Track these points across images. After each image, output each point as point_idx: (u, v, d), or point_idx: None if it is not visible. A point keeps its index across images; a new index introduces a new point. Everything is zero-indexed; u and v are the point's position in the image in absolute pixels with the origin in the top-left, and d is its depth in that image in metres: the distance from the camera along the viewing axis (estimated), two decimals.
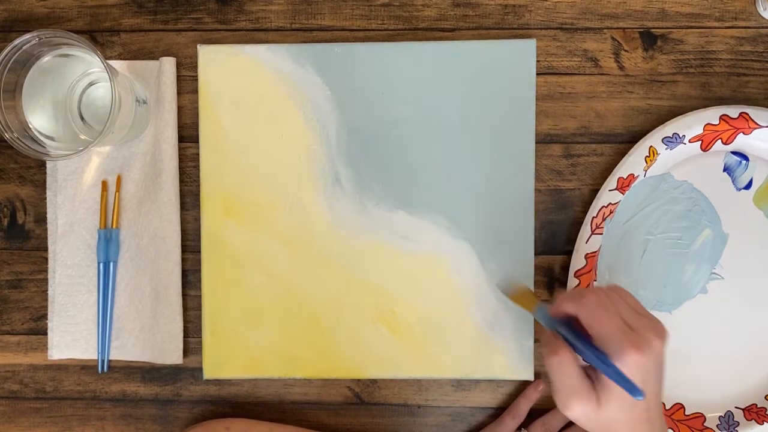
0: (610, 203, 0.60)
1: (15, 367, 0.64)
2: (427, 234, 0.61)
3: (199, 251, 0.62)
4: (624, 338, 0.44)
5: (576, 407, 0.46)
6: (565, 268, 0.62)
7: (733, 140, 0.59)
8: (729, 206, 0.61)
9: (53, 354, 0.63)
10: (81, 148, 0.54)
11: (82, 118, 0.59)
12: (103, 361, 0.63)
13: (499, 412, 0.63)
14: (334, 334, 0.62)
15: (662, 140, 0.59)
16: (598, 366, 0.45)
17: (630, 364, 0.43)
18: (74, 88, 0.59)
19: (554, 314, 0.48)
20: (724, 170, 0.61)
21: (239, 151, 0.62)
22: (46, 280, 0.64)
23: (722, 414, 0.61)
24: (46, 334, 0.64)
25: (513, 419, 0.61)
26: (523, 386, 0.63)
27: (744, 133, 0.59)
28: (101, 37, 0.63)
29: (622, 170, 0.59)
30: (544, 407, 0.62)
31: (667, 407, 0.61)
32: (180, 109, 0.62)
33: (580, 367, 0.47)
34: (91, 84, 0.59)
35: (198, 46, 0.61)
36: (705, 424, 0.61)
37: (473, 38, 0.62)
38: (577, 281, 0.60)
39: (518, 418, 0.61)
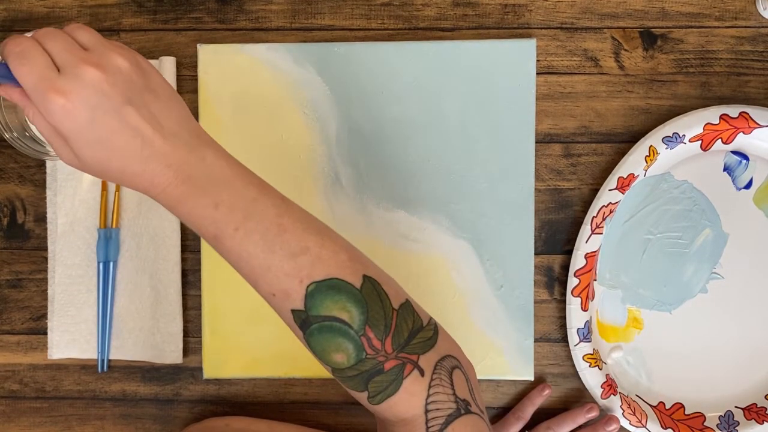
0: (610, 203, 0.60)
1: (15, 366, 0.64)
2: (427, 234, 0.61)
3: (199, 251, 0.62)
4: (42, 84, 0.39)
5: (65, 160, 0.42)
6: (565, 267, 0.62)
7: (733, 140, 0.59)
8: (729, 206, 0.61)
9: (53, 353, 0.63)
10: None
11: None
12: (102, 360, 0.63)
13: (499, 411, 0.63)
14: None
15: (662, 140, 0.59)
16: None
17: (56, 111, 0.39)
18: None
19: None
20: (724, 170, 0.61)
21: (239, 150, 0.61)
22: (45, 280, 0.64)
23: (722, 414, 0.61)
24: (45, 333, 0.64)
25: (517, 421, 0.61)
26: (524, 386, 0.62)
27: (744, 133, 0.59)
28: None
29: (622, 170, 0.59)
30: (548, 409, 0.62)
31: (667, 407, 0.61)
32: None
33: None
34: None
35: (198, 46, 0.61)
36: (705, 423, 0.61)
37: (473, 38, 0.62)
38: (577, 281, 0.60)
39: (522, 420, 0.61)
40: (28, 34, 0.42)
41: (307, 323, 0.43)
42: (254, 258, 0.42)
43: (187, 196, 0.42)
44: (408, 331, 0.44)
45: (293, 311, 0.43)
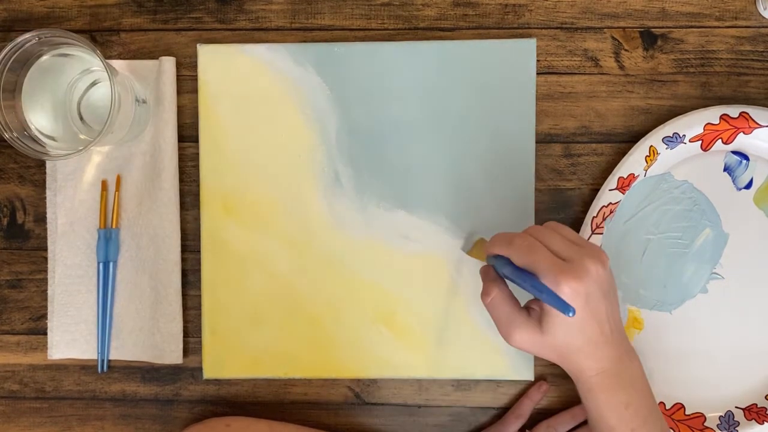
0: (611, 203, 0.60)
1: (15, 367, 0.64)
2: (427, 234, 0.61)
3: (199, 251, 0.62)
4: (556, 269, 0.46)
5: (518, 336, 0.49)
6: None
7: (733, 140, 0.59)
8: (729, 206, 0.61)
9: (53, 354, 0.63)
10: (81, 148, 0.54)
11: (81, 118, 0.59)
12: (102, 360, 0.63)
13: (499, 412, 0.63)
14: (334, 334, 0.62)
15: (662, 140, 0.59)
16: (531, 291, 0.47)
17: (566, 292, 0.46)
18: (74, 87, 0.59)
19: (490, 255, 0.52)
20: (725, 170, 0.61)
21: (239, 150, 0.62)
22: (45, 280, 0.64)
23: (722, 414, 0.61)
24: (45, 333, 0.64)
25: (516, 419, 0.61)
26: (524, 386, 0.63)
27: (744, 133, 0.59)
28: (101, 36, 0.63)
29: (622, 170, 0.59)
30: (548, 408, 0.62)
31: (667, 407, 0.61)
32: (180, 109, 0.62)
33: (514, 300, 0.50)
34: (91, 84, 0.59)
35: (198, 46, 0.61)
36: (705, 424, 0.61)
37: (473, 38, 0.62)
38: None
39: (522, 419, 0.61)
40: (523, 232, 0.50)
41: None
42: None
43: (608, 389, 0.49)
44: None
45: None
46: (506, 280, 0.51)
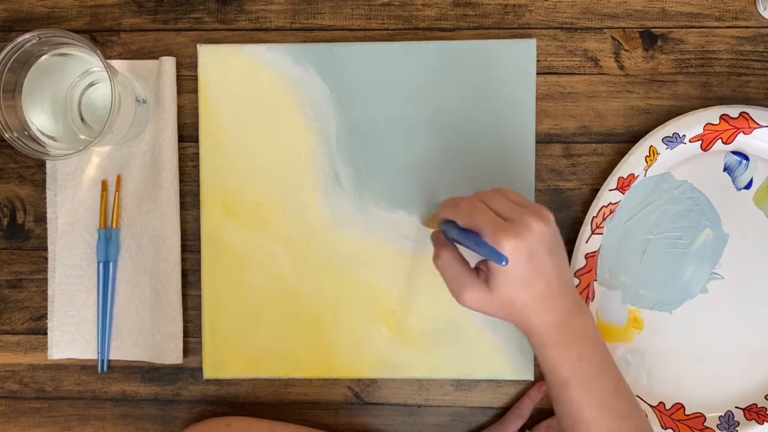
0: (610, 203, 0.60)
1: (15, 366, 0.64)
2: (427, 234, 0.61)
3: (199, 251, 0.62)
4: (498, 228, 0.47)
5: (467, 295, 0.50)
6: None
7: (733, 140, 0.59)
8: (729, 206, 0.61)
9: (53, 354, 0.63)
10: (81, 148, 0.54)
11: (81, 118, 0.59)
12: (102, 360, 0.63)
13: (499, 411, 0.63)
14: (334, 334, 0.62)
15: (662, 140, 0.59)
16: (473, 248, 0.48)
17: (507, 249, 0.46)
18: (74, 87, 0.59)
19: (440, 221, 0.53)
20: (725, 170, 0.61)
21: (239, 150, 0.62)
22: (45, 280, 0.64)
23: (722, 414, 0.61)
24: (45, 333, 0.64)
25: (517, 419, 0.61)
26: (524, 386, 0.63)
27: (744, 133, 0.59)
28: (101, 36, 0.63)
29: (622, 170, 0.59)
30: (548, 408, 0.62)
31: (667, 407, 0.61)
32: (180, 109, 0.62)
33: (464, 261, 0.51)
34: (91, 84, 0.59)
35: (198, 46, 0.61)
36: (705, 424, 0.61)
37: (473, 38, 0.62)
38: (577, 281, 0.60)
39: (522, 419, 0.61)
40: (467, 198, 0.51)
41: None
42: (588, 410, 0.49)
43: (560, 342, 0.49)
44: None
45: None
46: (457, 245, 0.52)
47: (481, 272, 0.50)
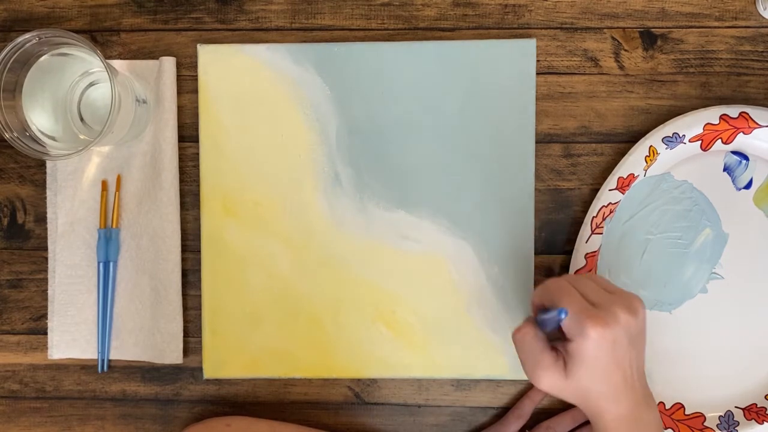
0: (610, 203, 0.60)
1: (15, 366, 0.64)
2: (427, 234, 0.61)
3: (199, 251, 0.62)
4: (584, 315, 0.46)
5: (543, 377, 0.48)
6: (565, 267, 0.62)
7: (733, 140, 0.59)
8: (729, 206, 0.61)
9: (53, 354, 0.63)
10: (81, 148, 0.54)
11: (81, 118, 0.59)
12: (103, 360, 0.63)
13: (499, 411, 0.63)
14: (334, 334, 0.62)
15: (662, 140, 0.59)
16: (546, 323, 0.48)
17: (593, 337, 0.46)
18: (74, 87, 0.59)
19: (534, 308, 0.52)
20: (724, 170, 0.61)
21: (239, 150, 0.62)
22: (46, 280, 0.64)
23: (722, 414, 0.61)
24: (46, 333, 0.64)
25: (517, 419, 0.61)
26: (524, 386, 0.63)
27: (744, 133, 0.59)
28: (101, 36, 0.63)
29: (622, 170, 0.59)
30: (549, 408, 0.62)
31: (667, 407, 0.61)
32: (180, 109, 0.62)
33: (544, 341, 0.49)
34: (91, 84, 0.59)
35: (198, 46, 0.61)
36: (705, 423, 0.61)
37: (473, 38, 0.62)
38: None
39: (522, 419, 0.61)
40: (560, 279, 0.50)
41: None
42: None
43: None
44: None
45: None
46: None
47: (560, 354, 0.49)
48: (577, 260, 0.60)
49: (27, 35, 0.53)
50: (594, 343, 0.46)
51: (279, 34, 0.62)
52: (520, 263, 0.61)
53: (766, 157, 0.60)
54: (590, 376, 0.47)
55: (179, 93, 0.62)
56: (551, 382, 0.48)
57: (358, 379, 0.63)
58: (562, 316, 0.47)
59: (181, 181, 0.63)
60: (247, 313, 0.62)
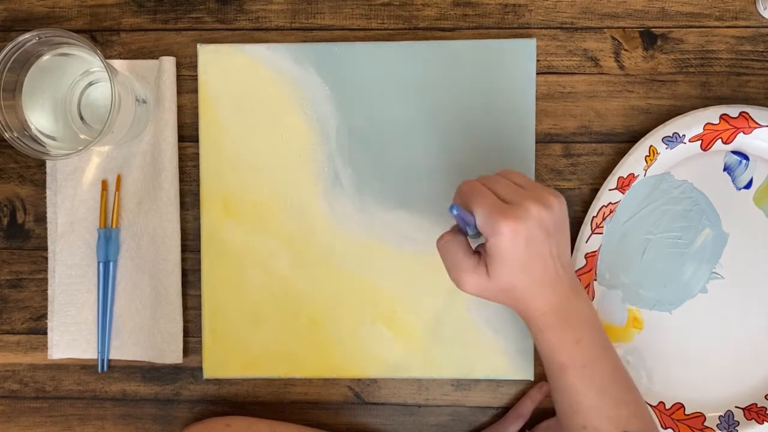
0: (610, 203, 0.60)
1: (15, 366, 0.64)
2: (427, 234, 0.61)
3: (199, 251, 0.62)
4: (495, 212, 0.46)
5: (466, 280, 0.48)
6: None
7: (733, 140, 0.59)
8: (729, 206, 0.61)
9: (53, 353, 0.63)
10: (81, 148, 0.54)
11: (81, 118, 0.59)
12: (103, 360, 0.63)
13: (499, 411, 0.63)
14: (334, 334, 0.62)
15: (662, 140, 0.59)
16: (462, 226, 0.48)
17: (505, 233, 0.46)
18: (74, 87, 0.59)
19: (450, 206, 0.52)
20: (725, 170, 0.61)
21: (239, 150, 0.62)
22: (46, 280, 0.64)
23: (722, 414, 0.61)
24: (46, 333, 0.64)
25: (517, 419, 0.61)
26: (524, 386, 0.63)
27: (744, 133, 0.59)
28: (101, 36, 0.63)
29: (622, 170, 0.59)
30: (548, 408, 0.62)
31: (667, 407, 0.61)
32: (180, 109, 0.62)
33: (466, 245, 0.50)
34: (91, 84, 0.59)
35: (198, 46, 0.61)
36: (705, 423, 0.61)
37: (473, 38, 0.62)
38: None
39: (522, 419, 0.61)
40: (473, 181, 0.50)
41: None
42: (587, 396, 0.48)
43: (557, 326, 0.49)
44: None
45: None
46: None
47: (482, 257, 0.49)
48: (577, 260, 0.60)
49: (27, 35, 0.53)
50: (507, 239, 0.46)
51: (279, 34, 0.62)
52: None
53: (767, 157, 0.60)
54: (510, 272, 0.47)
55: (179, 93, 0.62)
56: (475, 284, 0.48)
57: (358, 379, 0.63)
58: (454, 212, 0.47)
59: (181, 181, 0.63)
60: (247, 313, 0.62)
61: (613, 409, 0.48)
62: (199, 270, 0.63)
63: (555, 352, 0.49)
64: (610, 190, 0.60)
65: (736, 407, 0.61)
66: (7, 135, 0.54)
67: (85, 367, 0.64)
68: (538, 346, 0.50)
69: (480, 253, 0.49)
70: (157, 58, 0.62)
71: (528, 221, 0.46)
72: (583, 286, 0.60)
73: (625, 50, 0.61)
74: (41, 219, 0.64)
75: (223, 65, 0.61)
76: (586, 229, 0.60)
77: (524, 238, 0.46)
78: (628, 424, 0.48)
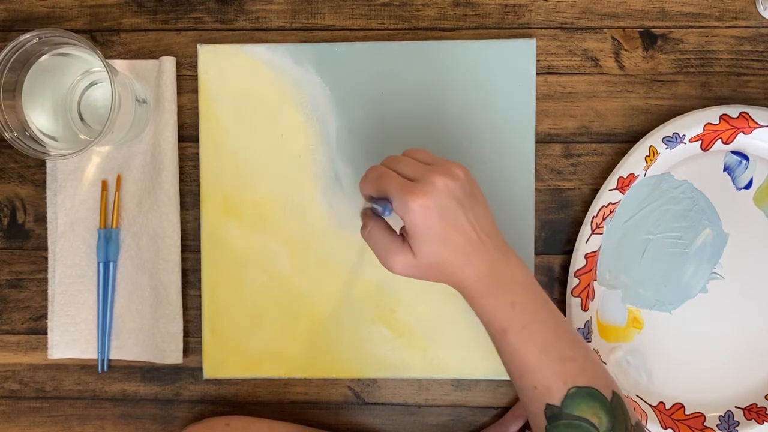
0: (610, 203, 0.60)
1: (15, 366, 0.64)
2: None
3: (199, 251, 0.62)
4: (404, 190, 0.47)
5: (394, 261, 0.49)
6: (565, 267, 0.62)
7: (733, 140, 0.59)
8: (729, 206, 0.61)
9: (53, 353, 0.63)
10: (81, 148, 0.54)
11: (81, 118, 0.59)
12: (102, 360, 0.63)
13: (499, 411, 0.63)
14: (334, 334, 0.62)
15: (662, 140, 0.59)
16: (379, 212, 0.49)
17: (415, 209, 0.46)
18: (74, 87, 0.59)
19: (365, 198, 0.53)
20: (725, 170, 0.61)
21: (239, 150, 0.62)
22: (46, 280, 0.64)
23: (722, 414, 0.61)
24: (46, 333, 0.64)
25: (517, 419, 0.61)
26: None
27: (744, 133, 0.59)
28: (101, 36, 0.63)
29: (622, 170, 0.59)
30: None
31: (667, 407, 0.61)
32: (180, 109, 0.62)
33: (390, 230, 0.51)
34: (91, 84, 0.59)
35: (198, 46, 0.61)
36: (705, 423, 0.61)
37: (473, 38, 0.62)
38: (577, 281, 0.60)
39: (522, 419, 0.61)
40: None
41: (556, 417, 0.48)
42: (530, 355, 0.48)
43: (490, 292, 0.49)
44: None
45: (547, 405, 0.48)
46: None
47: (405, 238, 0.50)
48: (577, 260, 0.60)
49: (27, 35, 0.53)
50: (419, 215, 0.46)
51: (279, 34, 0.62)
52: None
53: (766, 157, 0.60)
54: (432, 247, 0.48)
55: (179, 93, 0.62)
56: (404, 265, 0.49)
57: (358, 379, 0.63)
58: (373, 205, 0.47)
59: (181, 181, 0.63)
60: (246, 313, 0.62)
61: (558, 364, 0.48)
62: (199, 270, 0.63)
63: (493, 318, 0.49)
64: (610, 190, 0.60)
65: (736, 407, 0.61)
66: (7, 135, 0.54)
67: (85, 367, 0.64)
68: (478, 315, 0.50)
69: (403, 235, 0.50)
70: (157, 58, 0.62)
71: (435, 194, 0.47)
72: (578, 280, 0.60)
73: (625, 50, 0.61)
74: (41, 219, 0.64)
75: (223, 65, 0.61)
76: (586, 229, 0.60)
77: (436, 211, 0.47)
78: (576, 379, 0.48)
